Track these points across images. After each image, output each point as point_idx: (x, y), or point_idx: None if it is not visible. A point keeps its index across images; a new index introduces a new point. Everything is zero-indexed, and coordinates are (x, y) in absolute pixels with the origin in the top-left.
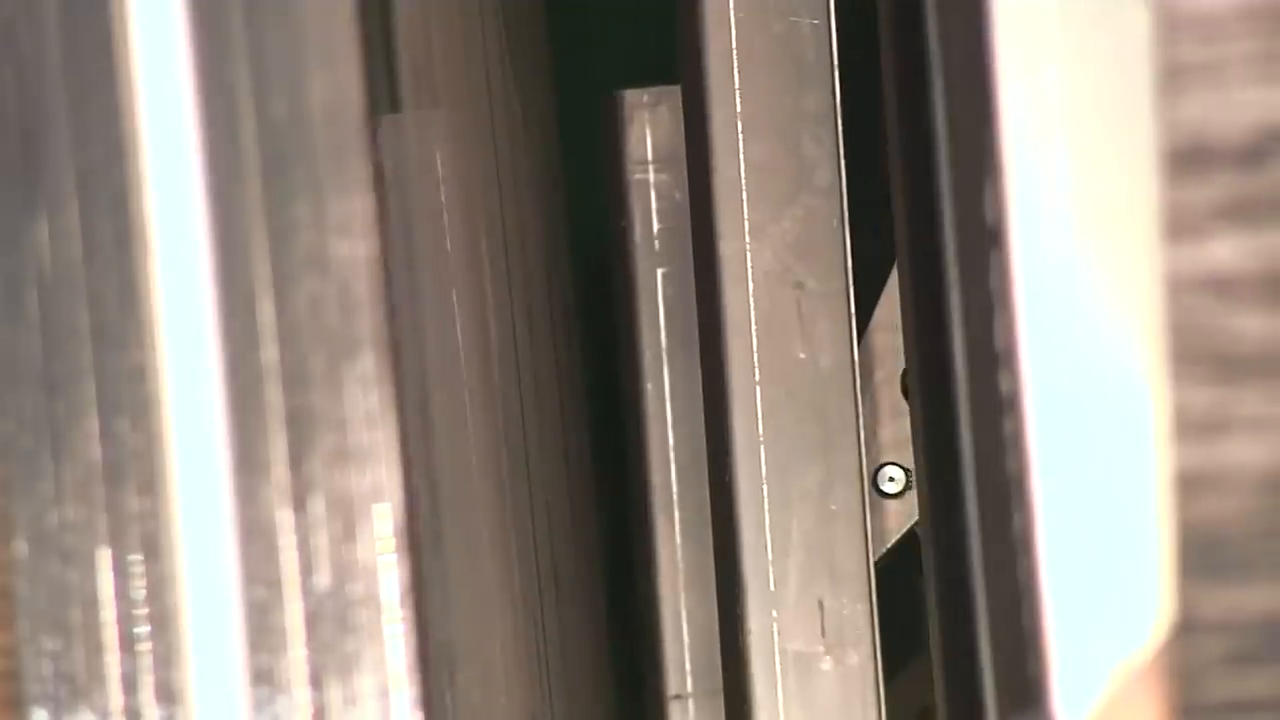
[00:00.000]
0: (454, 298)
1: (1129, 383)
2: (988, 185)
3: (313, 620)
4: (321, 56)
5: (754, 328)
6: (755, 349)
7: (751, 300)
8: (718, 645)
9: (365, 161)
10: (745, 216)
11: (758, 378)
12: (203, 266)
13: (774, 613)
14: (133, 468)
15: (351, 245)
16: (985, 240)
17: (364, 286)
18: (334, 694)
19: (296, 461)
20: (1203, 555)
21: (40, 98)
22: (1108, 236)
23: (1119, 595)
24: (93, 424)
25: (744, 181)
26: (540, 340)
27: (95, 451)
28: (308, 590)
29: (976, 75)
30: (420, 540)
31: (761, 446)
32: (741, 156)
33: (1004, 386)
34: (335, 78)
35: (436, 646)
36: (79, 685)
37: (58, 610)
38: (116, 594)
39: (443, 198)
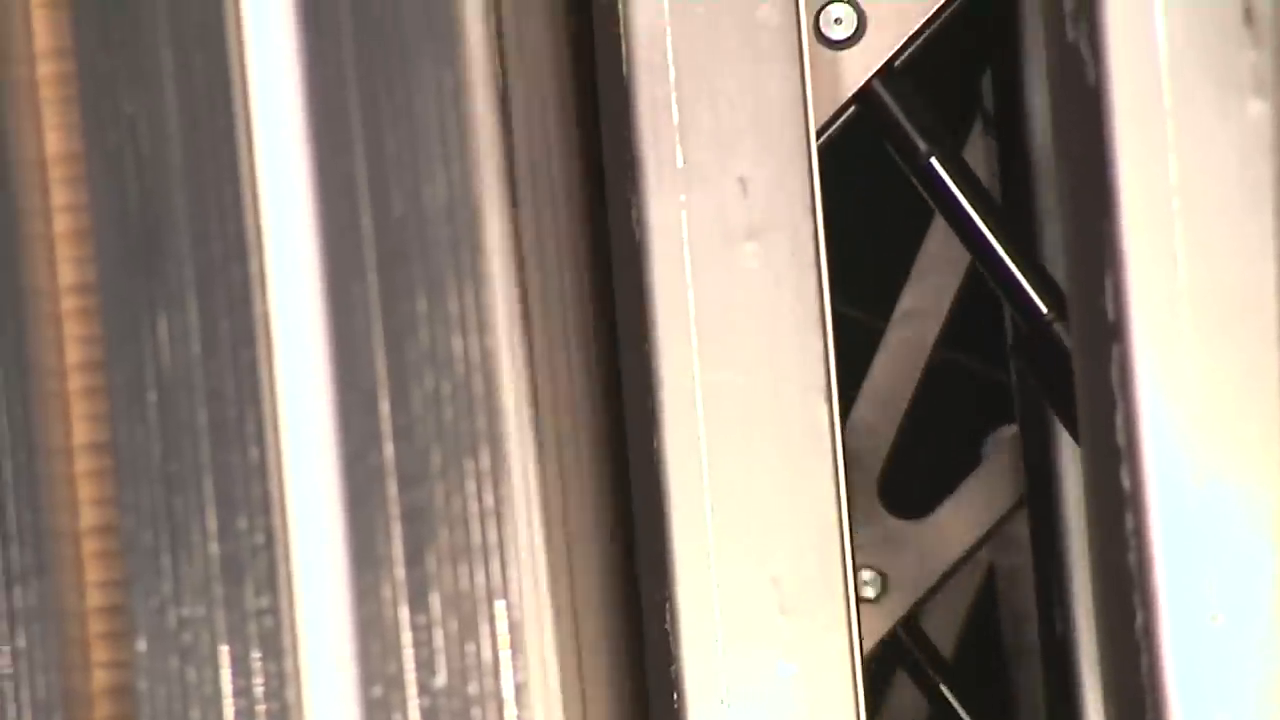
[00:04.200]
0: (575, 392)
1: (1252, 479)
2: (1108, 278)
3: (431, 718)
4: (439, 154)
5: None
6: None
7: None
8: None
9: (483, 257)
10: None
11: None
12: (322, 363)
13: None
14: (252, 565)
15: (469, 341)
16: (1106, 333)
17: (482, 383)
18: None
19: (414, 558)
20: None
21: (161, 195)
22: (1230, 329)
23: (1244, 697)
24: (212, 521)
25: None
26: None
27: (214, 548)
28: (426, 688)
29: (1095, 164)
30: (539, 638)
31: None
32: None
33: (1125, 482)
34: (453, 175)
35: None
36: None
37: (177, 708)
38: (236, 691)
39: (565, 284)
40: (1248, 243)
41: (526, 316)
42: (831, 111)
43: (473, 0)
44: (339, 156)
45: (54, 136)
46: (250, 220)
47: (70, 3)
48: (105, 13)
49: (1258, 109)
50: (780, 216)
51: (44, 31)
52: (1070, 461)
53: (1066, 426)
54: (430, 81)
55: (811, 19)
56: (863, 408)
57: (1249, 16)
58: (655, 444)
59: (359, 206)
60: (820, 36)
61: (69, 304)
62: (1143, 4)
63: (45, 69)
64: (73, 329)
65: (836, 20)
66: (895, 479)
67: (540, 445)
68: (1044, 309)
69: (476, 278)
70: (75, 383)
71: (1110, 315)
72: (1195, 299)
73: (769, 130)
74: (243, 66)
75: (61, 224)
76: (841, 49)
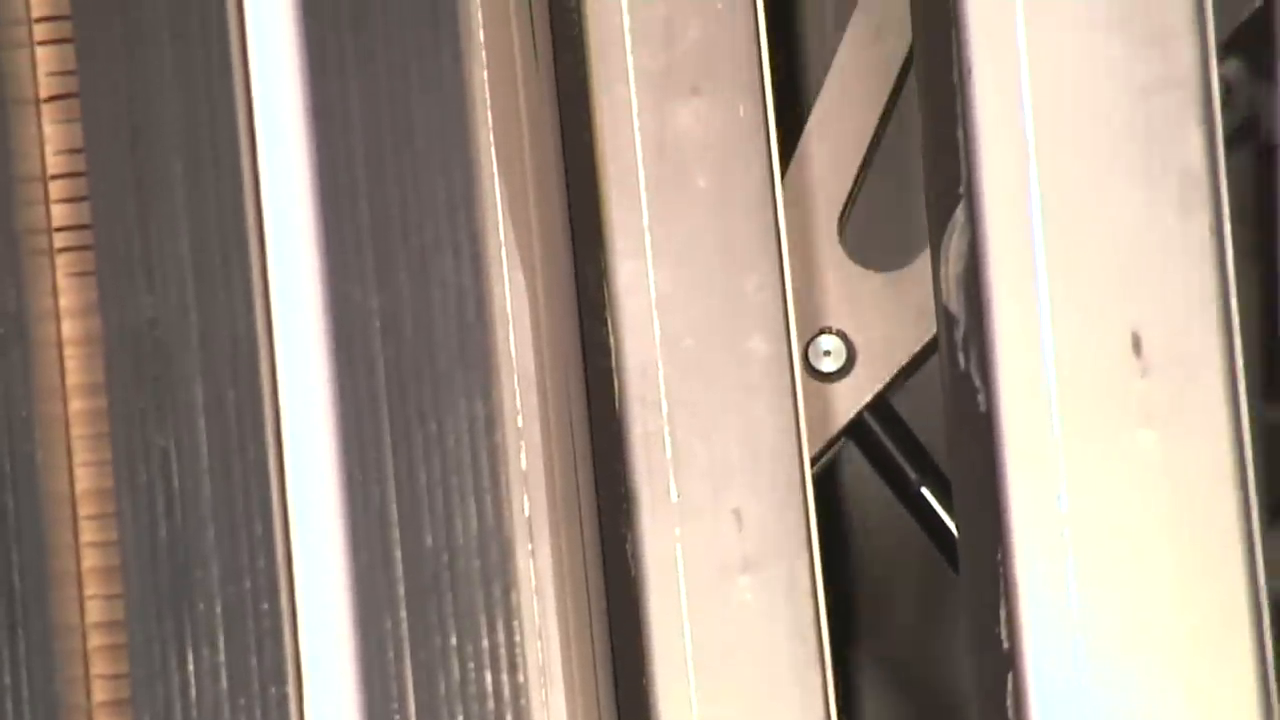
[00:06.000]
0: (599, 694)
1: None
2: (1002, 607)
3: None
4: (471, 486)
5: None
6: None
7: None
8: None
9: (516, 592)
10: None
11: None
12: (351, 698)
13: None
14: None
15: (500, 678)
16: (1001, 662)
17: (513, 719)
18: None
19: None
20: None
21: (192, 530)
22: (1125, 658)
23: None
24: None
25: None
26: None
27: None
28: None
29: (987, 492)
30: None
31: None
32: None
33: None
34: (484, 507)
35: None
36: None
37: None
38: None
39: (593, 615)
40: (1140, 571)
41: (558, 652)
42: (822, 443)
43: (505, 334)
44: (371, 489)
45: (84, 473)
46: (281, 555)
47: (103, 340)
48: (138, 349)
49: (1146, 438)
50: (775, 549)
51: (76, 369)
52: None
53: None
54: (462, 414)
55: (801, 351)
56: None
57: (1137, 346)
58: None
59: (390, 539)
60: (810, 369)
61: (96, 641)
62: (1031, 334)
63: (77, 405)
64: (99, 667)
65: (826, 352)
66: None
67: None
68: None
69: (508, 612)
70: None
71: (1005, 644)
72: (1088, 628)
73: (762, 463)
74: (275, 400)
75: (90, 560)
76: (831, 381)
